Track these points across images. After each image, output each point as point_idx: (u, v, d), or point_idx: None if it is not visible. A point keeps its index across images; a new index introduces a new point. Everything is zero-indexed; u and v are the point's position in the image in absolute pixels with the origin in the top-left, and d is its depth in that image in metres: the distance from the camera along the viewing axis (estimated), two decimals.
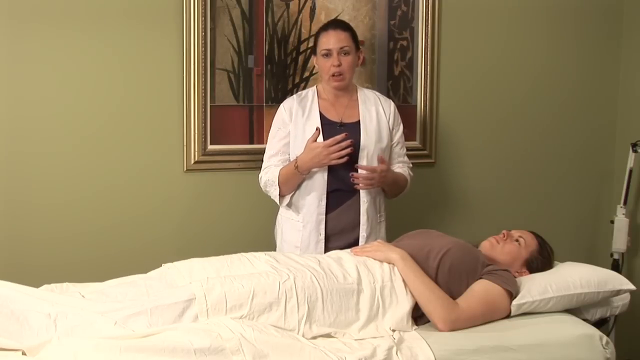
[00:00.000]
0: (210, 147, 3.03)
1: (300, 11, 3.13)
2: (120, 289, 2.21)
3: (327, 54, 2.70)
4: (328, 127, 2.71)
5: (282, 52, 3.12)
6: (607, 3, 3.63)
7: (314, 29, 3.03)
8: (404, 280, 2.24)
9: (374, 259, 2.32)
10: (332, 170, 2.69)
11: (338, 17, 3.08)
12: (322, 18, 3.11)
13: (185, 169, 3.01)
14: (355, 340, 2.08)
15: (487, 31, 3.43)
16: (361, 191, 2.71)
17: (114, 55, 2.87)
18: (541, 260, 2.51)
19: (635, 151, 3.36)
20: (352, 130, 2.70)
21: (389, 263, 2.29)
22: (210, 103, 3.01)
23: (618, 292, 2.44)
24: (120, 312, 1.97)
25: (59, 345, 1.81)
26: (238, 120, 3.07)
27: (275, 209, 2.86)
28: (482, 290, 2.26)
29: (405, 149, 2.89)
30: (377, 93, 2.89)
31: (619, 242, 3.39)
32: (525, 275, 2.46)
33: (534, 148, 3.58)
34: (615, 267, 3.34)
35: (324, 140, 2.64)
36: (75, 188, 2.87)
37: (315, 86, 2.87)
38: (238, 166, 3.07)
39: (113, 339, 1.83)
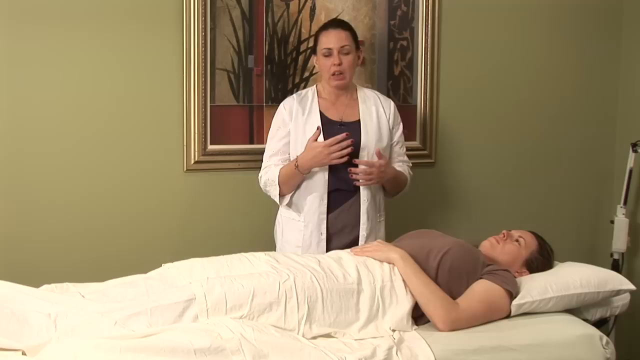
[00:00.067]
0: (210, 147, 3.03)
1: (300, 11, 3.13)
2: (120, 289, 2.20)
3: (328, 53, 2.70)
4: (328, 127, 2.71)
5: (282, 52, 3.12)
6: (607, 3, 3.62)
7: (314, 29, 3.03)
8: (404, 280, 2.24)
9: (374, 259, 2.32)
10: (332, 169, 2.69)
11: (338, 17, 3.08)
12: (322, 18, 3.11)
13: (185, 169, 3.01)
14: (355, 340, 2.08)
15: (487, 31, 3.43)
16: (361, 191, 2.71)
17: (114, 56, 2.87)
18: (541, 260, 2.51)
19: (635, 151, 3.36)
20: (352, 129, 2.70)
21: (389, 263, 2.29)
22: (210, 103, 3.01)
23: (618, 292, 2.45)
24: (120, 312, 1.97)
25: (59, 345, 1.81)
26: (238, 120, 3.07)
27: (275, 209, 2.86)
28: (482, 290, 2.27)
29: (405, 148, 2.89)
30: (377, 92, 2.89)
31: (619, 242, 3.39)
32: (525, 275, 2.46)
33: (534, 148, 3.58)
34: (615, 267, 3.34)
35: (324, 139, 2.65)
36: (75, 188, 2.87)
37: (314, 85, 2.87)
38: (238, 166, 3.07)
39: (113, 339, 1.83)
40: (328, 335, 2.09)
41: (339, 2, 3.17)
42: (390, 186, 2.81)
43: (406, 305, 2.20)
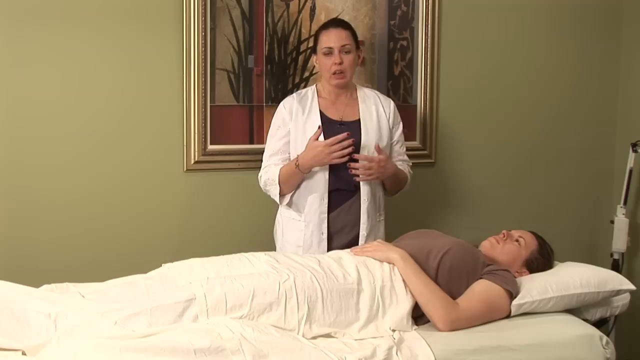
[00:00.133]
0: (210, 147, 3.03)
1: (300, 11, 3.13)
2: (120, 289, 2.20)
3: (329, 52, 2.70)
4: (328, 126, 2.71)
5: (282, 52, 3.12)
6: (607, 3, 3.63)
7: (314, 29, 3.03)
8: (404, 280, 2.24)
9: (374, 259, 2.32)
10: (333, 169, 2.69)
11: (338, 17, 3.08)
12: (322, 18, 3.11)
13: (185, 169, 3.01)
14: (355, 340, 2.08)
15: (487, 31, 3.43)
16: (362, 190, 2.71)
17: (114, 56, 2.87)
18: (541, 260, 2.51)
19: (635, 151, 3.36)
20: (352, 128, 2.70)
21: (389, 263, 2.29)
22: (210, 103, 3.01)
23: (618, 292, 2.45)
24: (120, 312, 1.97)
25: (59, 345, 1.81)
26: (238, 120, 3.07)
27: (275, 208, 2.86)
28: (482, 290, 2.26)
29: (405, 148, 2.89)
30: (377, 92, 2.89)
31: (619, 242, 3.39)
32: (525, 275, 2.46)
33: (534, 148, 3.58)
34: (615, 267, 3.34)
35: (324, 139, 2.65)
36: (75, 188, 2.87)
37: (314, 85, 2.87)
38: (238, 166, 3.07)
39: (113, 339, 1.83)
40: (328, 335, 2.09)
41: (339, 2, 3.17)
42: (390, 183, 2.81)
43: (406, 305, 2.20)
